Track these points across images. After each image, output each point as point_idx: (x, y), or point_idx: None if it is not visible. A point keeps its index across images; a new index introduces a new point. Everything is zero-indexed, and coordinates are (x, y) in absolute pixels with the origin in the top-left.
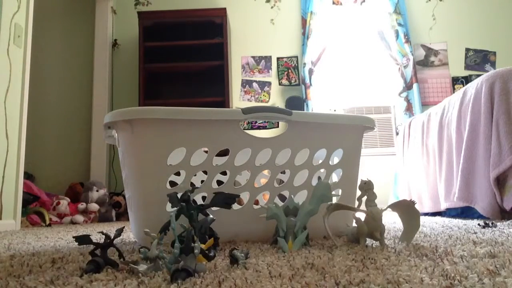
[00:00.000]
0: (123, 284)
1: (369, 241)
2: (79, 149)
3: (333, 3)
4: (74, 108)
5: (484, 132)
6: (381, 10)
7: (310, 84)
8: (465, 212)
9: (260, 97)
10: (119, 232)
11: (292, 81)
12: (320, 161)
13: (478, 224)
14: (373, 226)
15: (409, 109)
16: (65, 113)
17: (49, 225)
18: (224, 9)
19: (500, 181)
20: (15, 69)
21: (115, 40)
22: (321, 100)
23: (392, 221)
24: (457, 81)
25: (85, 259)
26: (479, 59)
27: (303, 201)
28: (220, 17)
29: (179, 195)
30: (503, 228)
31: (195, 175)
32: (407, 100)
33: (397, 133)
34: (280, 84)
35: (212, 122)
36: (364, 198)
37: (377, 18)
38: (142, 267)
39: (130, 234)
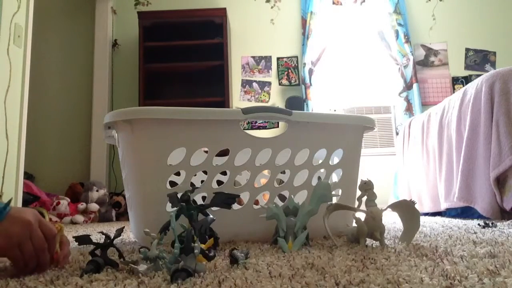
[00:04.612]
0: (123, 284)
1: (369, 241)
2: (79, 149)
3: (333, 3)
4: (74, 108)
5: (484, 132)
6: (381, 10)
7: (310, 84)
8: (465, 212)
9: (260, 97)
10: (119, 232)
11: (292, 81)
12: (320, 161)
13: (478, 224)
14: (373, 226)
15: (409, 109)
16: (65, 113)
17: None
18: (224, 9)
19: (500, 181)
20: (15, 69)
21: (115, 40)
22: (321, 100)
23: (392, 221)
24: (457, 81)
25: (85, 259)
26: (479, 59)
27: (303, 201)
28: (220, 17)
29: (179, 195)
30: (503, 228)
31: (195, 175)
32: (407, 100)
33: (397, 133)
34: (280, 84)
35: (212, 122)
36: (364, 198)
37: (377, 18)
38: (142, 267)
39: (130, 234)
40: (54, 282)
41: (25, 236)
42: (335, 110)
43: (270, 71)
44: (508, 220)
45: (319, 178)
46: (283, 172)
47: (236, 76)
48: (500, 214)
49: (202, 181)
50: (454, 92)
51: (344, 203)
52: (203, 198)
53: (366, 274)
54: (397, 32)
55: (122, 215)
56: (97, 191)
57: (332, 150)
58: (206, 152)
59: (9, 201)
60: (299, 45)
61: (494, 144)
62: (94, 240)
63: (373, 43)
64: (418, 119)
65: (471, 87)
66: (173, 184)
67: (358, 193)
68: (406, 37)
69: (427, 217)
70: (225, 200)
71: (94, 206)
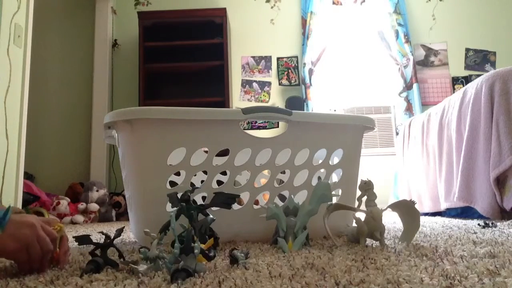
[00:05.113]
0: (123, 284)
1: (369, 241)
2: (79, 149)
3: (333, 3)
4: (74, 108)
5: (484, 132)
6: (381, 10)
7: (310, 84)
8: (465, 212)
9: (260, 97)
10: (119, 232)
11: (292, 81)
12: (320, 161)
13: (478, 224)
14: (373, 226)
15: (409, 109)
16: (65, 113)
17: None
18: (224, 9)
19: (500, 181)
20: (15, 69)
21: (115, 40)
22: (321, 100)
23: (392, 221)
24: (457, 81)
25: (85, 259)
26: (479, 59)
27: (303, 201)
28: (220, 17)
29: (179, 195)
30: (503, 228)
31: (195, 175)
32: (407, 100)
33: (397, 133)
34: (280, 84)
35: (212, 122)
36: (364, 198)
37: (377, 18)
38: (142, 267)
39: (130, 234)
40: (54, 282)
41: (32, 239)
42: (335, 110)
43: (270, 71)
44: (508, 220)
45: (319, 178)
46: (283, 172)
47: (236, 76)
48: (500, 214)
49: (202, 181)
50: (454, 92)
51: (344, 203)
52: (203, 198)
53: (366, 274)
54: (397, 32)
55: (122, 215)
56: (97, 191)
57: (332, 150)
58: (206, 152)
59: (9, 207)
60: (299, 45)
61: (494, 144)
62: (94, 240)
63: (373, 43)
64: (418, 119)
65: (471, 87)
66: (173, 184)
67: (358, 193)
68: (406, 37)
69: (427, 217)
70: (225, 200)
71: (94, 206)
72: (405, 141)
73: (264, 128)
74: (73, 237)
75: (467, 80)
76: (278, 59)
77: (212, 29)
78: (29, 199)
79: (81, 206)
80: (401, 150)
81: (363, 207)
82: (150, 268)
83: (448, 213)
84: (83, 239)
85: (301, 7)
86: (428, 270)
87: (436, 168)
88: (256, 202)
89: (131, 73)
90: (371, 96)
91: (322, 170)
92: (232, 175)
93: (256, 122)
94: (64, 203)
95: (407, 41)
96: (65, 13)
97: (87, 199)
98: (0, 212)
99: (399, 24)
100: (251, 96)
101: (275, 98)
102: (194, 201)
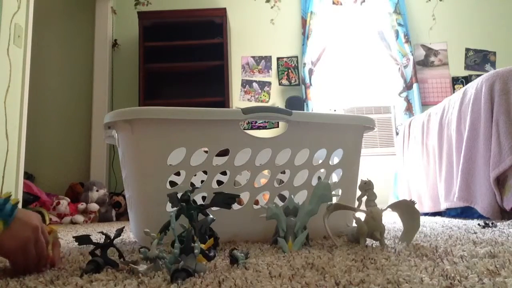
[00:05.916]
0: (123, 284)
1: (369, 241)
2: (79, 149)
3: (333, 3)
4: (74, 108)
5: (484, 132)
6: (381, 10)
7: (310, 84)
8: (465, 212)
9: (260, 97)
10: (119, 232)
11: (292, 81)
12: (320, 161)
13: (478, 224)
14: (373, 226)
15: (409, 109)
16: (65, 113)
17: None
18: (224, 9)
19: (500, 181)
20: (15, 69)
21: (115, 40)
22: (321, 100)
23: (392, 221)
24: (457, 81)
25: (85, 259)
26: (479, 59)
27: (303, 201)
28: (220, 17)
29: (179, 195)
30: (503, 228)
31: (195, 175)
32: (407, 100)
33: (397, 133)
34: (280, 84)
35: (212, 122)
36: (364, 198)
37: (377, 18)
38: (142, 267)
39: (130, 234)
40: (54, 282)
41: (31, 241)
42: (335, 110)
43: (270, 71)
44: (508, 220)
45: (319, 178)
46: (283, 172)
47: (236, 76)
48: (500, 214)
49: (202, 181)
50: (454, 92)
51: (344, 203)
52: (203, 198)
53: (366, 274)
54: (397, 32)
55: (122, 215)
56: (97, 191)
57: (332, 150)
58: (206, 152)
59: (16, 204)
60: (299, 45)
61: (494, 144)
62: (94, 240)
63: (373, 43)
64: (418, 119)
65: (471, 87)
66: (173, 184)
67: (358, 193)
68: (406, 37)
69: (427, 217)
70: (225, 200)
71: (94, 206)
72: (405, 141)
73: (264, 128)
74: (73, 237)
75: (467, 80)
76: (278, 59)
77: (212, 29)
78: (29, 199)
79: (81, 206)
80: (401, 150)
81: (363, 207)
82: (150, 268)
83: (448, 213)
84: (83, 239)
85: (301, 7)
86: (428, 270)
87: (436, 168)
88: (256, 202)
89: (131, 73)
90: (371, 96)
91: (322, 170)
92: (232, 175)
93: (256, 122)
94: (64, 203)
95: (407, 41)
96: (65, 13)
97: (87, 199)
98: (7, 207)
99: (399, 24)
100: (251, 96)
101: (275, 98)
102: (194, 201)
